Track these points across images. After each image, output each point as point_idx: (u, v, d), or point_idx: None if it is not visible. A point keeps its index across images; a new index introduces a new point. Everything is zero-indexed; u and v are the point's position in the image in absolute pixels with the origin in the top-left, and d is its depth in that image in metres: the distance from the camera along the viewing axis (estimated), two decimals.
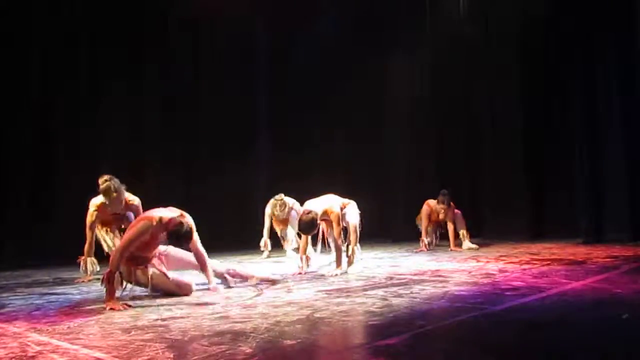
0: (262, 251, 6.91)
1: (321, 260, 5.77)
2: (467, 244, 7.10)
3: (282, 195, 6.88)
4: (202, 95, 8.62)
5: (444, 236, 7.48)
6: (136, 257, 4.03)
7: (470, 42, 8.87)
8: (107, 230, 5.39)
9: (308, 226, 4.88)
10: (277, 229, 7.02)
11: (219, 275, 4.40)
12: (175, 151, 8.29)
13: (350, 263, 5.26)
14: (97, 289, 4.64)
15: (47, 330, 3.07)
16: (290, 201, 6.81)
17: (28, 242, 6.78)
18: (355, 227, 5.37)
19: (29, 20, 7.15)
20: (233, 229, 8.01)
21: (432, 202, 7.33)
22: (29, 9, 7.15)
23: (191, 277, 4.26)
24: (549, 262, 5.28)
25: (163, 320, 3.21)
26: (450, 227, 7.21)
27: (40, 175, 7.11)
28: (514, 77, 8.41)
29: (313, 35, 8.98)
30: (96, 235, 5.30)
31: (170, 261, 4.28)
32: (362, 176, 9.01)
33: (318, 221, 4.99)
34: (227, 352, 2.47)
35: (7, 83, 6.96)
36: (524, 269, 4.83)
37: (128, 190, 5.06)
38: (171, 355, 2.45)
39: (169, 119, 8.22)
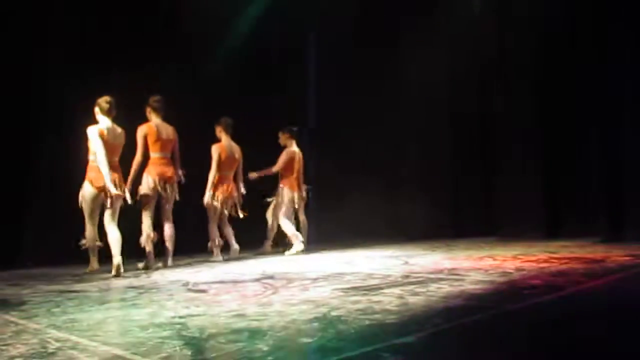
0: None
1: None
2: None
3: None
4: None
5: (454, 236, 7.43)
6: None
7: (485, 40, 8.82)
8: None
9: None
10: None
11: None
12: None
13: None
14: (115, 285, 4.69)
15: (67, 326, 3.10)
16: None
17: (46, 240, 6.84)
18: None
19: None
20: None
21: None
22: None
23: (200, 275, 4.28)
24: (567, 260, 5.23)
25: (180, 317, 3.23)
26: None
27: (56, 174, 7.16)
28: (530, 75, 8.33)
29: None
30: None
31: None
32: (376, 174, 8.97)
33: None
34: (244, 349, 2.48)
35: (15, 82, 6.92)
36: (542, 268, 4.79)
37: None
38: (189, 353, 2.47)
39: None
